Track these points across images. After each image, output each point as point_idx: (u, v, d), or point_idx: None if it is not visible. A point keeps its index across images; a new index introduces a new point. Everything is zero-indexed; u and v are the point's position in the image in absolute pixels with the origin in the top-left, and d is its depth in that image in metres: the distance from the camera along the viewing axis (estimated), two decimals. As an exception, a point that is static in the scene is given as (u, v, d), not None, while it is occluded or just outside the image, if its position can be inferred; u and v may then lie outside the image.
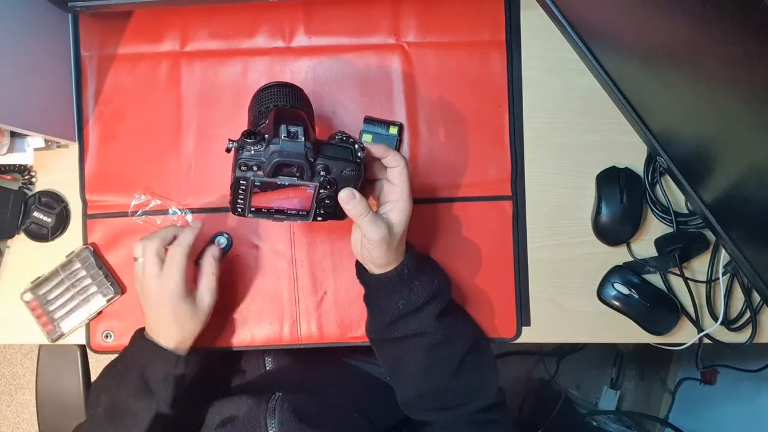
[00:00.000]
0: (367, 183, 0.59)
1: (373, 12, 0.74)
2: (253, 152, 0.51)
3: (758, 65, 0.40)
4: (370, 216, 0.55)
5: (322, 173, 0.53)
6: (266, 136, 0.51)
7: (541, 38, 0.74)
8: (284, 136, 0.51)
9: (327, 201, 0.56)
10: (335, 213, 0.58)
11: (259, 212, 0.56)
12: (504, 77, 0.74)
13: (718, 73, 0.46)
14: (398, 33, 0.74)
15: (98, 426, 0.61)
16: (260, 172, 0.51)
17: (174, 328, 0.61)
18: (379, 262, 0.59)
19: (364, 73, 0.75)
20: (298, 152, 0.51)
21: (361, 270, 0.64)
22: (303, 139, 0.51)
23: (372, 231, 0.55)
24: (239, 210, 0.55)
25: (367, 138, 0.72)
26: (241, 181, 0.52)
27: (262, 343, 0.74)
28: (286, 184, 0.53)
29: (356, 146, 0.56)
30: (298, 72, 0.75)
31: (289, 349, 0.78)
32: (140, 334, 0.64)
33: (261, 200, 0.54)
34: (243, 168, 0.51)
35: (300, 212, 0.57)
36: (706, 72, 0.48)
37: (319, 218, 0.58)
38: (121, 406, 0.59)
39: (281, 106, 0.59)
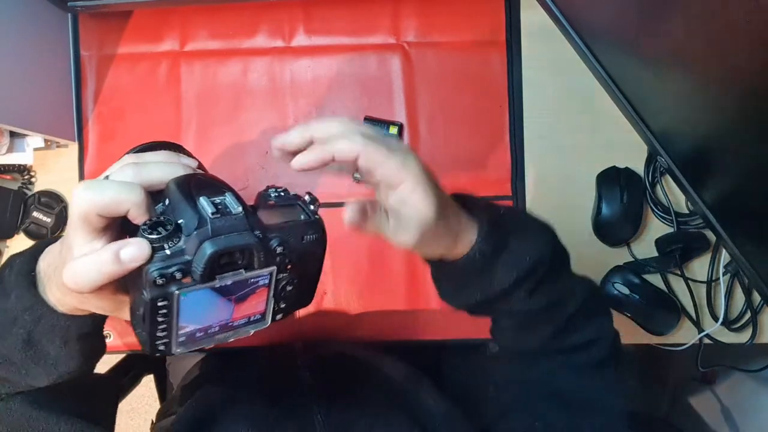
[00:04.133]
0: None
1: (373, 12, 0.74)
2: (169, 252, 0.33)
3: (759, 64, 0.40)
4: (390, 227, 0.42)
5: (279, 249, 0.36)
6: (180, 222, 0.34)
7: (541, 38, 0.74)
8: (211, 213, 0.33)
9: (289, 288, 0.39)
10: (300, 299, 0.42)
11: (192, 341, 0.36)
12: (504, 77, 0.74)
13: (719, 72, 0.46)
14: (398, 33, 0.74)
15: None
16: (187, 280, 0.33)
17: (59, 275, 0.38)
18: (437, 255, 0.45)
19: (364, 73, 0.75)
20: (240, 230, 0.34)
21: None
22: (240, 209, 0.34)
23: (400, 237, 0.42)
24: (161, 347, 0.36)
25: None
26: (160, 303, 0.33)
27: (263, 342, 0.74)
28: (229, 283, 0.35)
29: (306, 198, 0.40)
30: (297, 72, 0.75)
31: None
32: (25, 275, 0.41)
33: (190, 321, 0.36)
34: (159, 282, 0.32)
35: (251, 318, 0.39)
36: (706, 71, 0.48)
37: (279, 316, 0.40)
38: (8, 360, 0.43)
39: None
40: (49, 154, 0.75)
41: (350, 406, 0.54)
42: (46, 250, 0.42)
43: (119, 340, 0.74)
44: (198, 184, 0.36)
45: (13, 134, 0.68)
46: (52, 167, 0.75)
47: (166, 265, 0.32)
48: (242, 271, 0.35)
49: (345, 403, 0.55)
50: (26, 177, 0.74)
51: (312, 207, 0.40)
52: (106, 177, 0.36)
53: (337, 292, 0.74)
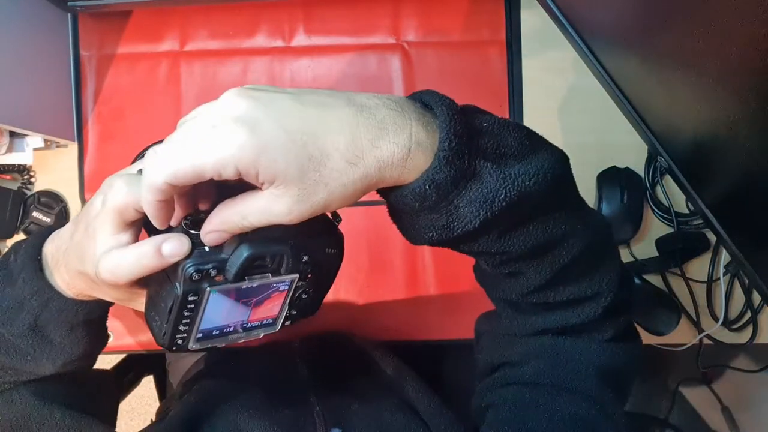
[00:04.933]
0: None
1: (373, 12, 0.74)
2: (207, 249, 0.34)
3: (760, 63, 0.40)
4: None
5: (305, 258, 0.37)
6: None
7: (541, 38, 0.74)
8: None
9: (304, 296, 0.40)
10: (309, 309, 0.43)
11: (208, 338, 0.37)
12: (504, 77, 0.74)
13: (719, 72, 0.46)
14: (398, 32, 0.74)
15: None
16: (219, 278, 0.34)
17: (70, 259, 0.39)
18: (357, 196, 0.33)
19: (364, 72, 0.74)
20: (276, 235, 0.35)
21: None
22: None
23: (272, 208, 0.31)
24: (179, 341, 0.36)
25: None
26: (190, 298, 0.34)
27: (263, 342, 0.74)
28: (255, 285, 0.36)
29: (329, 213, 0.40)
30: (297, 72, 0.75)
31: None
32: (32, 260, 0.41)
33: (212, 319, 0.36)
34: (195, 277, 0.33)
35: (264, 322, 0.40)
36: (707, 71, 0.48)
37: (288, 322, 0.41)
38: (14, 347, 0.43)
39: None
40: (48, 154, 0.74)
41: (345, 393, 0.54)
42: (52, 234, 0.42)
43: (119, 341, 0.74)
44: (237, 184, 0.35)
45: (12, 134, 0.68)
46: (52, 167, 0.75)
47: (203, 262, 0.33)
48: (269, 275, 0.36)
49: (340, 390, 0.55)
50: (26, 177, 0.74)
51: (335, 222, 0.40)
52: (139, 172, 0.36)
53: (337, 291, 0.74)
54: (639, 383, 1.57)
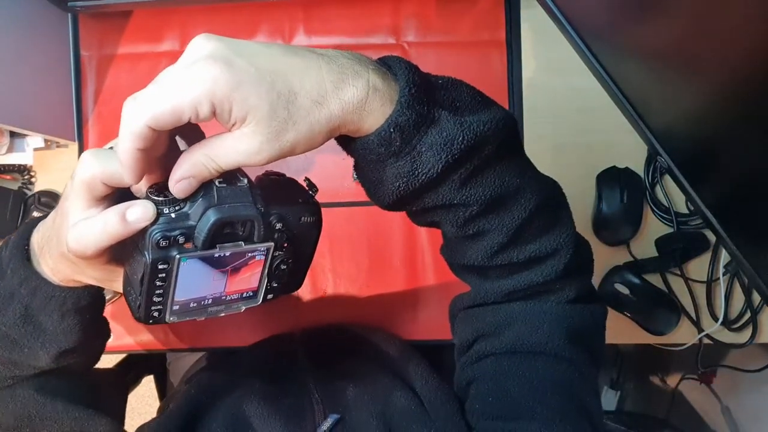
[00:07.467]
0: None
1: (373, 12, 0.74)
2: (174, 216, 0.33)
3: (759, 63, 0.40)
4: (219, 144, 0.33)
5: (278, 226, 0.37)
6: None
7: (541, 38, 0.74)
8: (218, 182, 0.34)
9: (283, 267, 0.39)
10: (290, 282, 0.42)
11: (185, 310, 0.37)
12: (504, 77, 0.74)
13: (719, 71, 0.46)
14: (398, 33, 0.74)
15: None
16: (188, 245, 0.34)
17: (52, 244, 0.39)
18: (310, 142, 0.33)
19: (364, 72, 0.75)
20: (245, 201, 0.34)
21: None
22: (246, 181, 0.35)
23: (242, 147, 0.32)
24: (155, 314, 0.36)
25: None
26: (160, 266, 0.33)
27: (265, 336, 0.74)
28: (227, 254, 0.35)
29: (304, 184, 0.41)
30: (297, 72, 0.75)
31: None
32: (19, 250, 0.42)
33: (186, 290, 0.36)
34: (162, 244, 0.33)
35: (244, 294, 0.39)
36: (707, 71, 0.48)
37: (270, 296, 0.41)
38: (9, 338, 0.43)
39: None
40: (49, 154, 0.75)
41: (344, 379, 0.54)
42: (39, 224, 0.43)
43: (119, 341, 0.74)
44: None
45: (13, 134, 0.69)
46: (52, 167, 0.75)
47: (170, 228, 0.33)
48: (242, 243, 0.35)
49: (339, 377, 0.55)
50: (26, 177, 0.74)
51: (310, 192, 0.40)
52: (110, 149, 0.36)
53: (336, 290, 0.74)
54: (639, 383, 1.57)
